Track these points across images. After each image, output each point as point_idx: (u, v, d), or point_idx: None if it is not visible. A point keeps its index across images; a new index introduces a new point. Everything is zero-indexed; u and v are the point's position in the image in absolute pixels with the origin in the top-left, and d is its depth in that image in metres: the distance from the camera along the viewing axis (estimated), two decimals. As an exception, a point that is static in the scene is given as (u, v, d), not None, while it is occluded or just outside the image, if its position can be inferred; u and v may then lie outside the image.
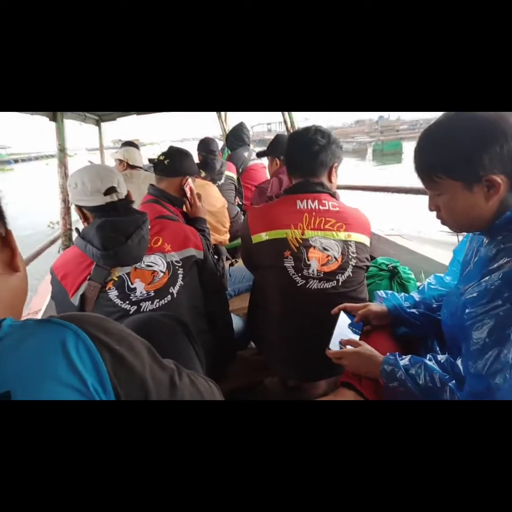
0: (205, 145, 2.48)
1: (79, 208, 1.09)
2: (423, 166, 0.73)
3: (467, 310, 0.69)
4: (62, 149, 2.05)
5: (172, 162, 1.42)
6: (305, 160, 1.14)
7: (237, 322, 1.41)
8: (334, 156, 1.15)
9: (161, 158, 1.43)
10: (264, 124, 55.72)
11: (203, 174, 1.51)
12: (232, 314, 1.38)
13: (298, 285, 1.07)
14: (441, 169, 0.69)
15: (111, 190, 1.05)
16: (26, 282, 0.49)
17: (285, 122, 2.42)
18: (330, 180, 1.18)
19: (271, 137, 2.48)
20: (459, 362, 0.72)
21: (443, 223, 0.77)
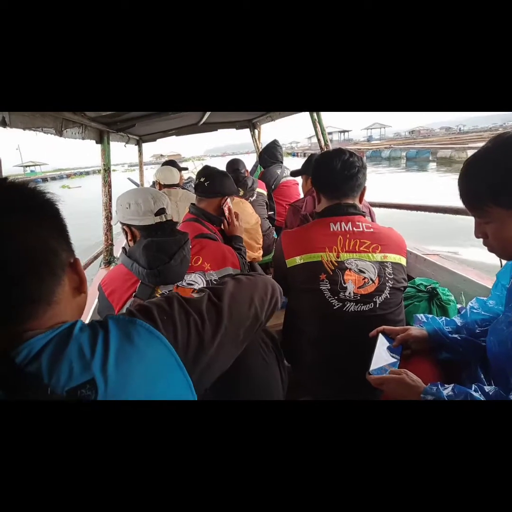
0: (232, 165, 2.58)
1: (128, 227, 1.17)
2: (469, 193, 0.72)
3: None
4: (106, 169, 2.19)
5: (212, 184, 1.48)
6: (345, 182, 1.14)
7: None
8: (366, 179, 1.17)
9: (202, 180, 1.49)
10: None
11: (241, 192, 1.56)
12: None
13: (335, 308, 1.07)
14: (489, 197, 0.68)
15: (161, 211, 1.13)
16: (86, 298, 0.54)
17: (318, 139, 2.44)
18: (360, 202, 1.19)
19: (332, 146, 2.49)
20: (511, 396, 0.70)
21: (491, 250, 0.75)
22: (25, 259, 0.41)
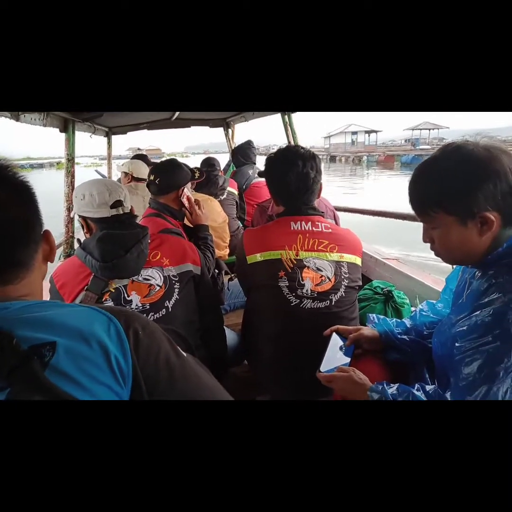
0: (207, 162, 2.57)
1: (84, 219, 1.12)
2: (418, 199, 0.75)
3: (457, 344, 0.70)
4: (70, 159, 2.10)
5: (163, 180, 1.44)
6: (302, 195, 1.16)
7: (232, 337, 1.41)
8: (320, 182, 1.19)
9: (151, 178, 1.44)
10: (348, 133, 39.28)
11: (197, 174, 1.50)
12: (227, 329, 1.38)
13: (292, 304, 1.08)
14: (436, 203, 0.70)
15: (117, 204, 1.08)
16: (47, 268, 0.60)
17: (288, 142, 2.45)
18: (317, 197, 1.22)
19: (355, 149, 2.48)
20: (447, 394, 0.73)
21: (437, 254, 0.78)
22: (15, 227, 0.48)
